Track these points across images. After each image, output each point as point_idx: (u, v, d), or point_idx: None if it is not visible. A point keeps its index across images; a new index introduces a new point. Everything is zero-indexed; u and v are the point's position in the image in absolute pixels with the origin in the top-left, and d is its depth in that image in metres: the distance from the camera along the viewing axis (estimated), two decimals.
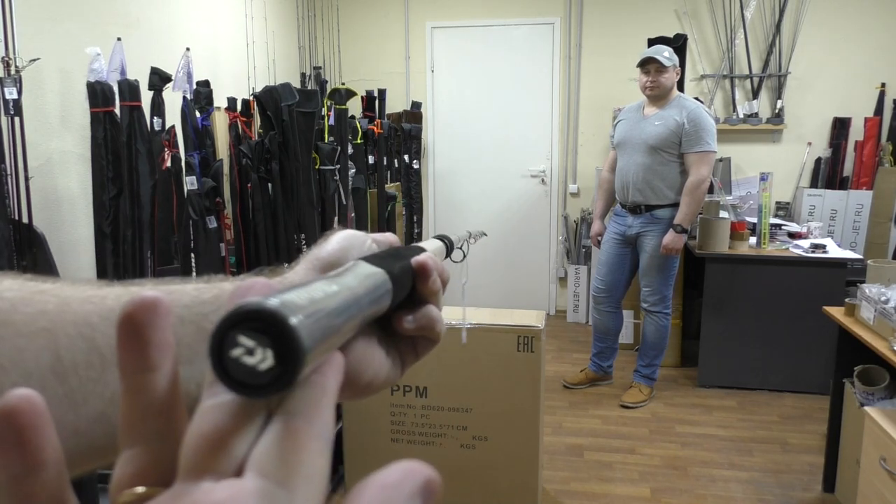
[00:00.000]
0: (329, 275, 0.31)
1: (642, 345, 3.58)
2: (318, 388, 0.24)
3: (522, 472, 2.42)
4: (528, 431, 2.39)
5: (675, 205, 3.31)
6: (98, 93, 2.19)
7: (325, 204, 2.81)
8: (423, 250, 0.45)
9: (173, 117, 2.64)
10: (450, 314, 2.44)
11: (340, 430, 2.60)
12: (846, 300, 2.51)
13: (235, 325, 0.22)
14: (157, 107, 2.55)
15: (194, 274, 2.39)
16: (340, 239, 0.43)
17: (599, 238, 3.64)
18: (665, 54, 3.25)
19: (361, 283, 0.31)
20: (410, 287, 0.40)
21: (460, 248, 0.86)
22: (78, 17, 2.69)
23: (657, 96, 3.31)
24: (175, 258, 2.61)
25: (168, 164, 2.48)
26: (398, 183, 4.09)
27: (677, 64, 3.31)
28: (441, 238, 0.61)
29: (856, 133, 4.58)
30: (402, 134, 4.20)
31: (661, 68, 3.24)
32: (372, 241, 0.45)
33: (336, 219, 2.88)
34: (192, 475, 0.21)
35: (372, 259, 0.36)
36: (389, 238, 0.47)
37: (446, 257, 0.60)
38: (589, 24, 4.85)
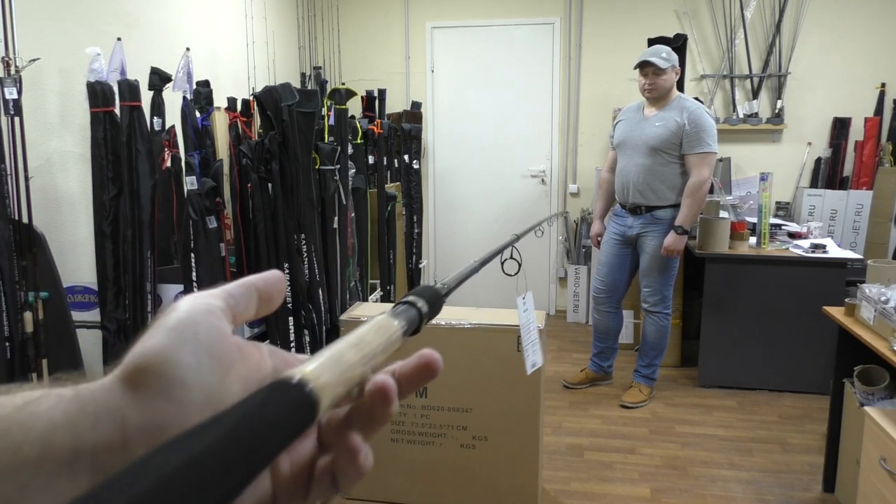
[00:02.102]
0: None
1: (642, 345, 3.58)
2: None
3: (522, 472, 2.41)
4: (528, 431, 2.39)
5: (676, 206, 3.31)
6: (98, 93, 2.19)
7: (325, 204, 2.81)
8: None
9: (173, 117, 2.65)
10: (453, 314, 2.43)
11: None
12: (846, 300, 2.51)
13: None
14: (157, 107, 2.55)
15: (194, 274, 2.39)
16: (169, 328, 0.29)
17: (599, 238, 3.64)
18: (662, 55, 3.23)
19: None
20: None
21: (513, 258, 0.75)
22: (78, 17, 2.69)
23: (656, 98, 3.30)
24: (175, 258, 2.61)
25: (168, 164, 2.49)
26: (398, 183, 4.09)
27: (676, 64, 3.29)
28: (414, 302, 0.38)
29: (856, 133, 4.58)
30: (402, 134, 4.20)
31: (658, 70, 3.23)
32: (226, 307, 0.31)
33: (336, 218, 2.88)
34: None
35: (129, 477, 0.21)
36: (263, 282, 0.33)
37: (416, 331, 0.37)
38: (589, 24, 4.85)
